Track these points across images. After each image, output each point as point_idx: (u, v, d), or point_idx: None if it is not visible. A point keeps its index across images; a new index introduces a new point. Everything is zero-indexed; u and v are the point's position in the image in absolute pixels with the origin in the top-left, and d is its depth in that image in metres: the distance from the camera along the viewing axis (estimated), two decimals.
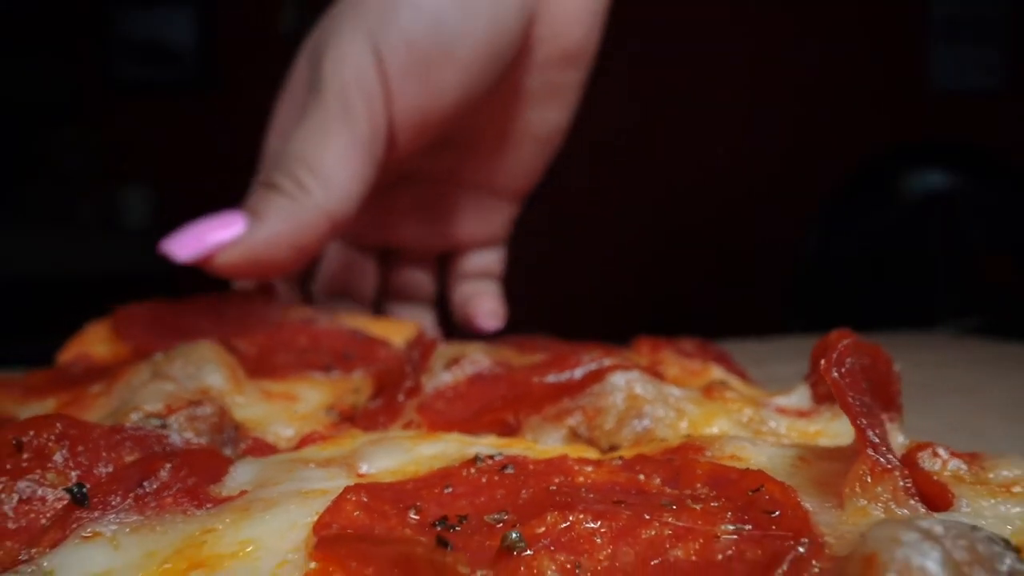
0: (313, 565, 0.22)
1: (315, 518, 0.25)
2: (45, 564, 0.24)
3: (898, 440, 0.37)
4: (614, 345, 0.59)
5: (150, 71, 3.55)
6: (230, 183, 3.56)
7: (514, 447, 0.33)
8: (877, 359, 0.41)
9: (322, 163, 0.55)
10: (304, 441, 0.36)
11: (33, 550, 0.25)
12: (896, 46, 3.50)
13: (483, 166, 0.71)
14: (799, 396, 0.47)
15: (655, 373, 0.47)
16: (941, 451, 0.33)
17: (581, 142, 2.97)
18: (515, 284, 2.75)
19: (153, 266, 3.34)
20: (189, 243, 0.56)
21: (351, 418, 0.41)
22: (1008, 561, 0.19)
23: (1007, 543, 0.21)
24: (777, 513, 0.26)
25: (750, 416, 0.41)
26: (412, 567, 0.20)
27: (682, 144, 3.48)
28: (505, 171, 0.72)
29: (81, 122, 3.57)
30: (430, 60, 0.57)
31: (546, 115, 0.71)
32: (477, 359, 0.51)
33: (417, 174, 0.70)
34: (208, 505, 0.27)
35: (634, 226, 3.49)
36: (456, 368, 0.49)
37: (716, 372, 0.54)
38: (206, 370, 0.40)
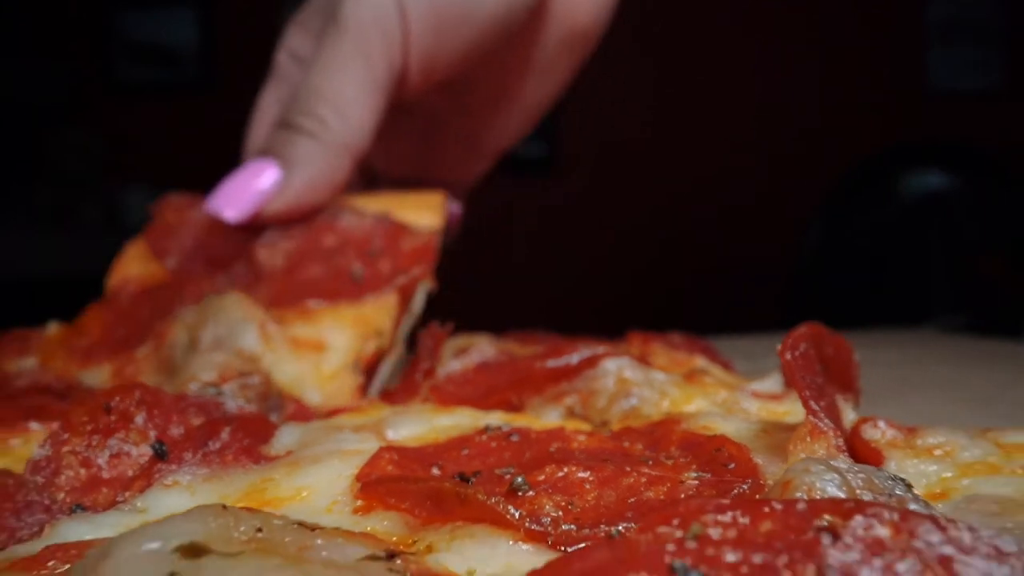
0: (359, 503, 0.28)
1: (356, 471, 0.31)
2: (139, 504, 0.30)
3: (849, 416, 0.43)
4: (609, 339, 0.65)
5: (151, 72, 3.61)
6: None
7: (518, 420, 0.40)
8: (840, 348, 0.48)
9: (342, 98, 0.59)
10: (334, 412, 0.42)
11: (126, 494, 0.31)
12: (894, 47, 3.56)
13: (474, 120, 0.77)
14: (772, 382, 0.53)
15: (644, 361, 0.53)
16: (881, 423, 0.39)
17: (582, 143, 3.03)
18: (520, 282, 2.84)
19: None
20: (234, 202, 0.57)
21: (374, 369, 0.48)
22: (899, 492, 0.26)
23: (905, 483, 0.27)
24: (732, 465, 0.32)
25: (725, 397, 0.47)
26: (440, 499, 0.27)
27: (683, 143, 3.54)
28: (492, 129, 0.78)
29: (83, 123, 3.63)
30: (449, 17, 0.62)
31: (540, 88, 0.77)
32: (483, 349, 0.57)
33: (414, 109, 0.74)
34: (262, 461, 0.34)
35: (635, 225, 3.55)
36: (464, 356, 0.56)
37: (700, 362, 0.61)
38: (237, 331, 0.46)
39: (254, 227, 0.58)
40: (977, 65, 3.56)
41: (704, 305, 3.23)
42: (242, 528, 0.22)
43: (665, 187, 3.53)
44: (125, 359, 0.48)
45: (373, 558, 0.22)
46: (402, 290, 0.55)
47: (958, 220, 3.26)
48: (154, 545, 0.20)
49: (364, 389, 0.49)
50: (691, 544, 0.18)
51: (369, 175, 0.79)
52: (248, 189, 0.57)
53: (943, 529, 0.18)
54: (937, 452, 0.36)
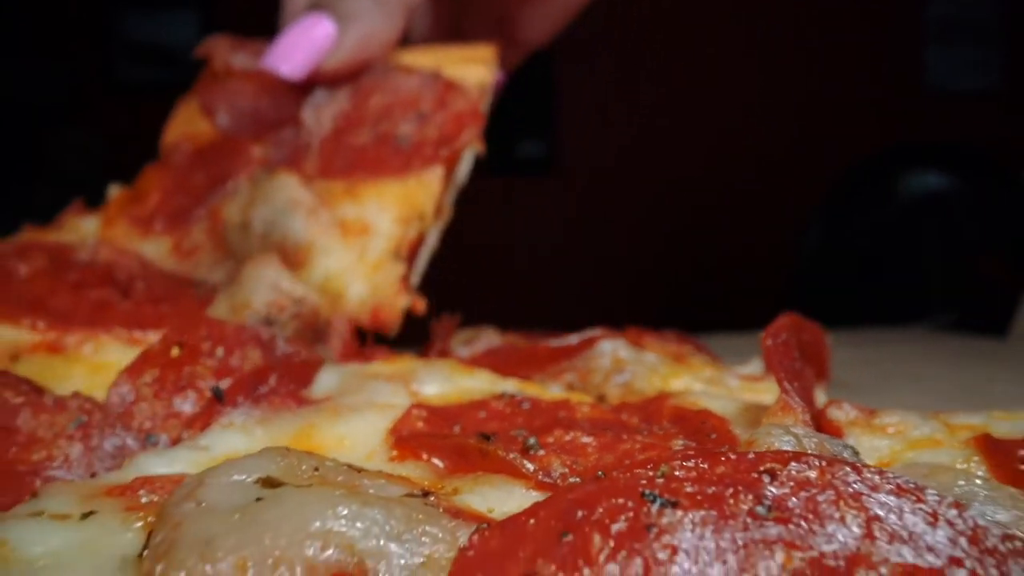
0: (394, 453, 0.33)
1: (390, 424, 0.36)
2: (202, 443, 0.35)
3: (820, 399, 0.48)
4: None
5: (152, 73, 3.65)
6: None
7: (529, 390, 0.45)
8: (817, 337, 0.53)
9: None
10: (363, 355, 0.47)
11: (189, 432, 0.36)
12: (893, 47, 3.62)
13: (511, 7, 0.79)
14: (754, 366, 0.59)
15: (639, 345, 0.59)
16: (845, 406, 0.44)
17: (581, 144, 3.09)
18: (521, 281, 2.90)
19: None
20: (290, 56, 0.57)
21: (415, 255, 0.52)
22: (846, 454, 0.31)
23: (853, 449, 0.33)
24: (714, 435, 0.37)
25: (710, 376, 0.52)
26: (465, 453, 0.32)
27: (681, 144, 3.59)
28: (523, 19, 0.81)
29: (83, 123, 3.67)
30: None
31: None
32: (490, 338, 0.63)
33: None
34: (305, 405, 0.39)
35: (633, 225, 3.60)
36: (472, 345, 0.61)
37: (694, 357, 0.66)
38: (286, 217, 0.50)
39: (304, 87, 0.57)
40: (976, 65, 3.62)
41: (702, 303, 3.28)
42: (303, 467, 0.27)
43: (663, 187, 3.59)
44: (182, 233, 0.52)
45: (411, 495, 0.27)
46: (448, 160, 0.56)
47: (957, 220, 3.31)
48: (240, 477, 0.25)
49: (407, 280, 0.52)
50: (660, 480, 0.23)
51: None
52: (304, 44, 0.57)
53: (858, 471, 0.23)
54: (891, 430, 0.41)
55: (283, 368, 0.39)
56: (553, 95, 3.54)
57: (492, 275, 3.58)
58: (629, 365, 0.53)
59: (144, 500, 0.28)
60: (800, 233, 3.50)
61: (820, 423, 0.43)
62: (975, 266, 3.15)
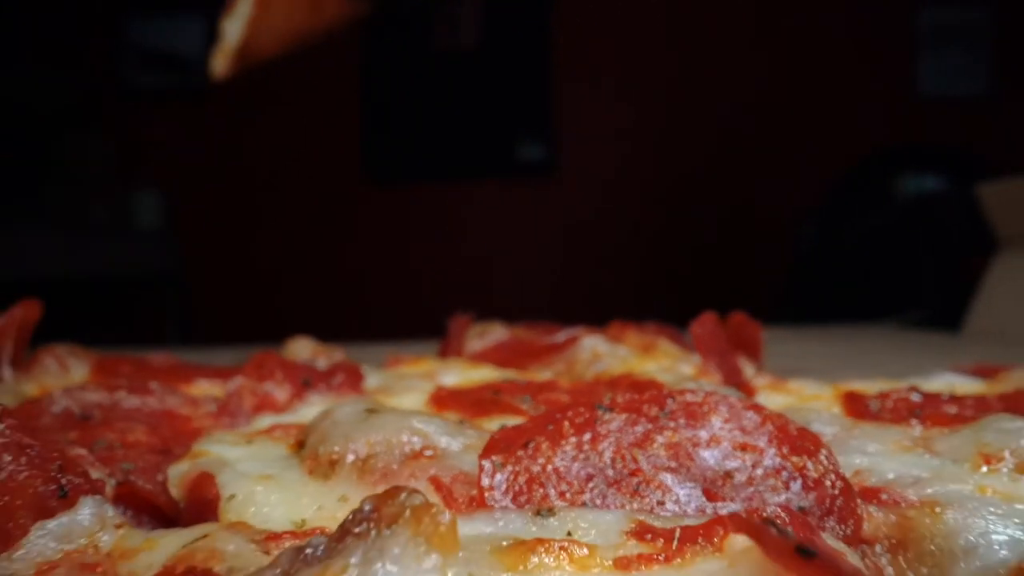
0: (434, 409, 0.50)
1: (427, 397, 0.53)
2: (301, 412, 0.52)
3: (749, 372, 0.65)
4: (597, 325, 0.87)
5: (161, 79, 3.82)
6: (238, 186, 3.92)
7: (525, 376, 0.62)
8: (752, 330, 0.70)
9: None
10: (393, 362, 0.64)
11: (288, 408, 0.53)
12: (885, 54, 3.78)
13: None
14: None
15: (616, 340, 0.76)
16: (762, 376, 0.61)
17: (581, 146, 3.27)
18: (522, 279, 3.09)
19: (164, 266, 3.64)
20: None
21: None
22: (733, 396, 0.48)
23: (742, 395, 0.49)
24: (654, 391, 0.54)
25: (669, 364, 0.69)
26: (481, 404, 0.49)
27: (679, 147, 3.76)
28: None
29: (95, 128, 3.84)
30: None
31: None
32: (498, 333, 0.80)
33: None
34: (363, 392, 0.56)
35: (631, 225, 3.76)
36: (484, 338, 0.78)
37: (663, 343, 0.83)
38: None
39: None
40: (966, 70, 3.78)
41: (700, 302, 3.45)
42: (386, 406, 0.44)
43: (662, 187, 3.75)
44: None
45: (451, 421, 0.44)
46: None
47: (949, 221, 3.47)
48: (353, 407, 0.42)
49: None
50: (606, 401, 0.40)
51: None
52: None
53: (725, 398, 0.40)
54: (791, 390, 0.58)
55: (344, 369, 0.57)
56: (552, 99, 3.71)
57: (496, 274, 3.75)
58: (605, 357, 0.70)
59: (278, 434, 0.45)
60: (796, 234, 3.67)
61: (745, 388, 0.60)
62: (968, 266, 3.32)
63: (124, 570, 0.26)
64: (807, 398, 0.56)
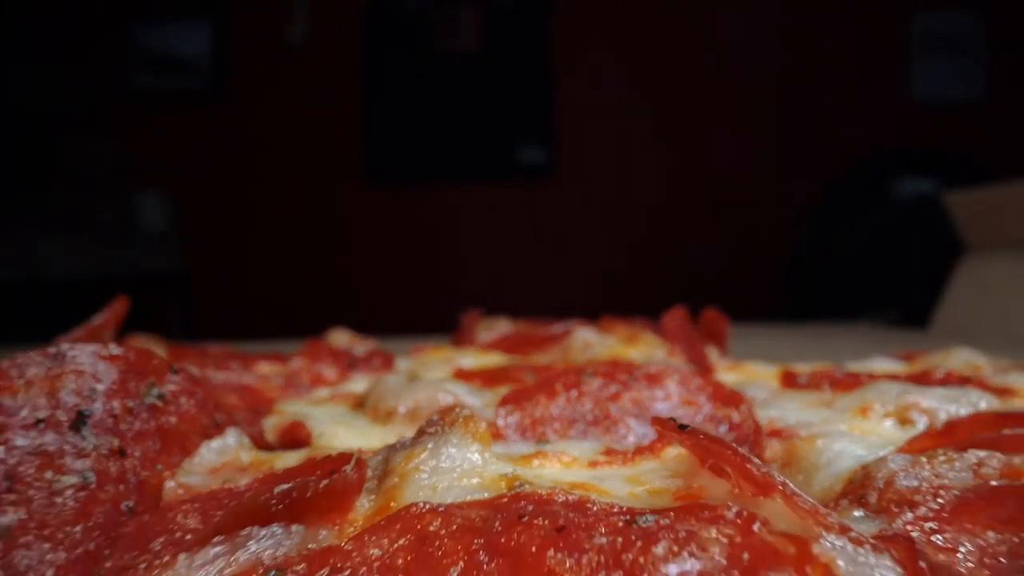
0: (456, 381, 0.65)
1: (450, 374, 0.68)
2: (349, 386, 0.67)
3: (714, 356, 0.80)
4: (591, 320, 1.02)
5: (166, 82, 3.97)
6: (243, 187, 4.10)
7: (528, 361, 0.77)
8: (719, 321, 0.86)
9: None
10: (416, 350, 0.79)
11: (338, 384, 0.68)
12: (881, 60, 3.93)
13: None
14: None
15: (607, 332, 0.91)
16: (727, 359, 0.76)
17: (580, 150, 3.45)
18: (525, 278, 3.28)
19: (169, 267, 3.81)
20: None
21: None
22: (687, 370, 0.63)
23: (697, 371, 0.64)
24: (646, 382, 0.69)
25: (648, 351, 0.84)
26: (495, 378, 0.64)
27: (677, 150, 3.91)
28: None
29: (101, 130, 3.99)
30: None
31: None
32: (503, 326, 0.95)
33: None
34: (397, 371, 0.71)
35: (629, 226, 3.91)
36: (491, 331, 0.93)
37: (645, 334, 0.98)
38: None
39: None
40: (960, 76, 3.93)
41: (696, 301, 3.60)
42: (423, 376, 0.59)
43: (659, 190, 3.90)
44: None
45: (473, 386, 0.59)
46: None
47: (942, 223, 3.62)
48: (397, 377, 0.57)
49: None
50: (590, 370, 0.55)
51: None
52: None
53: (679, 370, 0.55)
54: (744, 370, 0.73)
55: (380, 355, 0.72)
56: (552, 104, 3.86)
57: (496, 274, 3.90)
58: (595, 345, 0.85)
59: (337, 400, 0.60)
60: (792, 235, 3.83)
61: (707, 368, 0.75)
62: (951, 267, 3.47)
63: (276, 466, 0.41)
64: (755, 375, 0.71)
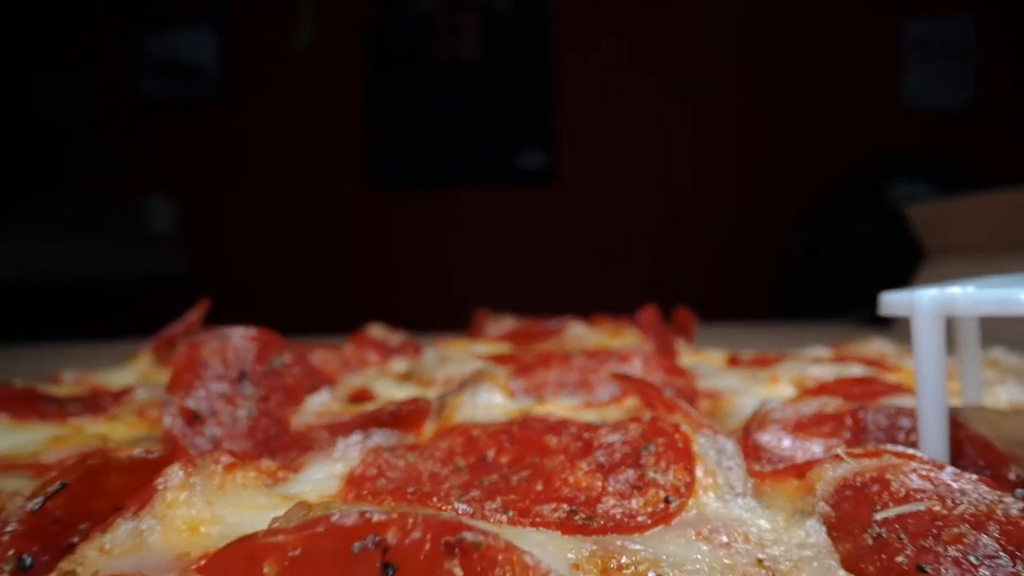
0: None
1: (470, 356, 0.90)
2: (391, 368, 0.89)
3: (681, 345, 1.02)
4: (584, 317, 1.24)
5: (173, 88, 4.19)
6: (248, 191, 4.38)
7: (530, 350, 0.99)
8: (688, 318, 1.08)
9: None
10: (438, 342, 1.01)
11: (382, 366, 0.90)
12: (874, 66, 4.15)
13: None
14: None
15: (596, 327, 1.13)
16: (691, 348, 0.98)
17: (579, 154, 3.69)
18: (526, 278, 3.55)
19: (176, 269, 4.07)
20: None
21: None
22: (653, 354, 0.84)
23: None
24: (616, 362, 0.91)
25: (628, 342, 1.06)
26: (506, 359, 0.86)
27: (674, 154, 4.13)
28: None
29: (109, 136, 4.21)
30: None
31: None
32: (509, 322, 1.17)
33: None
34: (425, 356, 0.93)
35: (630, 229, 4.13)
36: (499, 325, 1.15)
37: (629, 329, 1.20)
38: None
39: None
40: (952, 82, 4.15)
41: (692, 301, 3.82)
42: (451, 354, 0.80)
43: (656, 194, 4.12)
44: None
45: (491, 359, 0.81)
46: None
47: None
48: (436, 357, 0.78)
49: None
50: (578, 352, 0.76)
51: None
52: None
53: (616, 350, 0.76)
54: (702, 355, 0.94)
55: (411, 345, 0.94)
56: (552, 110, 4.08)
57: (497, 274, 4.11)
58: (586, 338, 1.07)
59: (386, 376, 0.82)
60: (786, 238, 4.05)
61: (672, 354, 0.96)
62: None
63: (366, 409, 0.63)
64: (708, 358, 0.93)
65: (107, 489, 0.38)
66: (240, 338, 0.61)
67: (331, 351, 0.95)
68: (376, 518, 0.24)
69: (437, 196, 4.14)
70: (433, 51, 4.12)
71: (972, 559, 0.30)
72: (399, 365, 0.89)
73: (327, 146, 4.21)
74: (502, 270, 4.14)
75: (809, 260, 3.99)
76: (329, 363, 0.89)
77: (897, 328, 1.76)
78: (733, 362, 0.88)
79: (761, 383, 0.73)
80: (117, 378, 0.80)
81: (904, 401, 0.59)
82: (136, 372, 0.83)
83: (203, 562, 0.32)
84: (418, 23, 4.13)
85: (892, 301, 0.50)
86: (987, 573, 0.30)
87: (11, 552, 0.31)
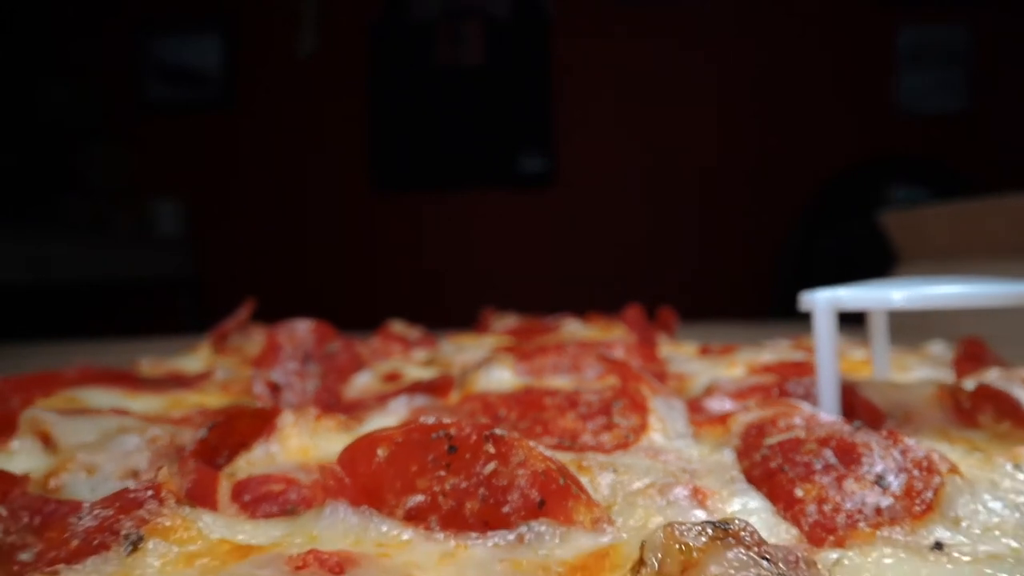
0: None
1: (488, 351, 1.09)
2: (413, 357, 1.08)
3: (662, 339, 1.21)
4: (579, 315, 1.43)
5: (179, 93, 4.39)
6: (253, 194, 4.62)
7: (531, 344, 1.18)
8: (670, 315, 1.27)
9: None
10: (450, 336, 1.21)
11: (405, 355, 1.09)
12: (867, 72, 4.35)
13: None
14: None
15: (590, 323, 1.32)
16: (670, 341, 1.17)
17: (579, 158, 3.92)
18: (527, 279, 3.79)
19: (182, 270, 4.30)
20: None
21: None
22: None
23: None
24: (603, 350, 1.10)
25: (618, 336, 1.24)
26: (511, 350, 1.04)
27: (674, 159, 4.32)
28: None
29: (116, 139, 4.40)
30: None
31: None
32: (512, 320, 1.36)
33: None
34: (442, 347, 1.12)
35: (628, 231, 4.32)
36: (504, 321, 1.35)
37: (618, 325, 1.39)
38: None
39: None
40: (944, 87, 4.34)
41: (690, 301, 4.00)
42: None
43: (654, 196, 4.31)
44: None
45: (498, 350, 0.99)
46: None
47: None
48: (453, 348, 0.97)
49: None
50: (569, 342, 0.95)
51: None
52: None
53: (603, 341, 0.95)
54: (679, 347, 1.13)
55: (428, 339, 1.13)
56: (552, 115, 4.27)
57: (497, 275, 4.30)
58: (579, 333, 1.26)
59: (411, 363, 1.00)
60: (781, 240, 4.24)
61: (653, 345, 1.15)
62: None
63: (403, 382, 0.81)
64: (684, 349, 1.12)
65: (238, 430, 0.57)
66: (304, 329, 0.80)
67: (361, 343, 1.14)
68: (446, 421, 0.43)
69: (439, 199, 4.33)
70: (435, 57, 4.31)
71: (816, 464, 0.49)
72: (420, 355, 1.07)
73: (331, 150, 4.40)
74: (503, 270, 4.33)
75: (803, 261, 4.19)
76: (362, 352, 1.07)
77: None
78: (704, 351, 1.06)
79: (721, 367, 0.92)
80: (186, 364, 0.98)
81: None
82: (200, 360, 1.02)
83: (316, 464, 0.50)
84: (420, 30, 4.32)
85: (803, 299, 0.68)
86: (823, 476, 0.48)
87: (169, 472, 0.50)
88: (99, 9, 4.40)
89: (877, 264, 3.98)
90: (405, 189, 4.34)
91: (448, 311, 3.38)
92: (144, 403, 0.73)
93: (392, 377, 0.91)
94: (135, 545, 0.36)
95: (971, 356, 0.87)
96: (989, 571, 0.38)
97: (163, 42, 4.38)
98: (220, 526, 0.40)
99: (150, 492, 0.38)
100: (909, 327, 1.67)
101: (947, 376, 0.87)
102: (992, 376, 0.79)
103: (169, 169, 4.42)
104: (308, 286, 4.41)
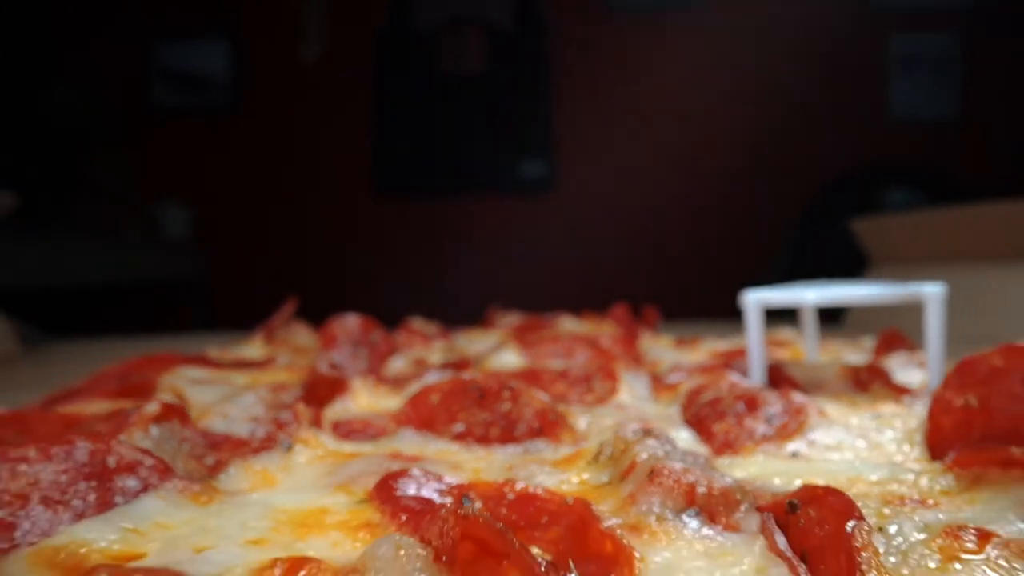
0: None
1: (495, 336, 1.34)
2: (434, 348, 1.32)
3: (645, 333, 1.45)
4: (575, 313, 1.68)
5: (186, 98, 4.63)
6: (259, 198, 4.94)
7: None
8: (653, 314, 1.52)
9: None
10: (462, 332, 1.45)
11: (427, 346, 1.34)
12: (860, 79, 4.60)
13: None
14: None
15: (583, 320, 1.57)
16: (651, 335, 1.41)
17: (579, 163, 4.20)
18: (527, 279, 4.10)
19: (189, 272, 4.60)
20: None
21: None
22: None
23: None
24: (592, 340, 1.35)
25: (608, 331, 1.49)
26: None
27: (672, 163, 4.57)
28: None
29: (124, 144, 4.64)
30: None
31: None
32: (514, 317, 1.61)
33: None
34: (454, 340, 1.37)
35: (627, 234, 4.57)
36: (508, 319, 1.60)
37: (609, 322, 1.63)
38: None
39: None
40: (936, 94, 4.59)
41: (687, 301, 4.25)
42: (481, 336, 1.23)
43: (653, 200, 4.56)
44: None
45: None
46: None
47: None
48: (466, 340, 1.21)
49: None
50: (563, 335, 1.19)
51: None
52: None
53: (591, 335, 1.19)
54: (658, 340, 1.38)
55: (444, 333, 1.37)
56: (553, 121, 4.52)
57: (498, 277, 4.55)
58: (574, 328, 1.51)
59: (433, 353, 1.25)
60: (778, 245, 4.49)
61: (635, 338, 1.39)
62: None
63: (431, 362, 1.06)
64: (662, 341, 1.36)
65: (316, 393, 0.81)
66: (353, 322, 1.04)
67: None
68: (477, 377, 0.67)
69: (442, 203, 4.58)
70: (439, 65, 4.56)
71: (729, 411, 0.74)
72: (439, 345, 1.32)
73: (335, 154, 4.65)
74: (503, 271, 4.58)
75: (796, 265, 4.44)
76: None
77: (849, 321, 2.20)
78: (679, 343, 1.31)
79: (687, 353, 1.17)
80: (247, 352, 1.23)
81: None
82: (256, 349, 1.26)
83: (377, 413, 0.75)
84: (424, 38, 4.57)
85: (741, 298, 0.93)
86: (732, 418, 0.73)
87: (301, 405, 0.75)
88: (107, 16, 4.64)
89: (860, 267, 4.24)
90: (408, 194, 4.59)
91: (448, 311, 3.62)
92: (235, 379, 0.98)
93: (420, 363, 1.15)
94: (288, 447, 0.61)
95: (888, 343, 1.12)
96: (827, 468, 0.62)
97: (170, 48, 4.62)
98: (333, 443, 0.65)
99: (293, 417, 0.63)
100: (911, 330, 1.93)
101: (869, 360, 1.11)
102: (897, 358, 1.04)
103: (176, 173, 4.65)
104: (313, 288, 4.65)
